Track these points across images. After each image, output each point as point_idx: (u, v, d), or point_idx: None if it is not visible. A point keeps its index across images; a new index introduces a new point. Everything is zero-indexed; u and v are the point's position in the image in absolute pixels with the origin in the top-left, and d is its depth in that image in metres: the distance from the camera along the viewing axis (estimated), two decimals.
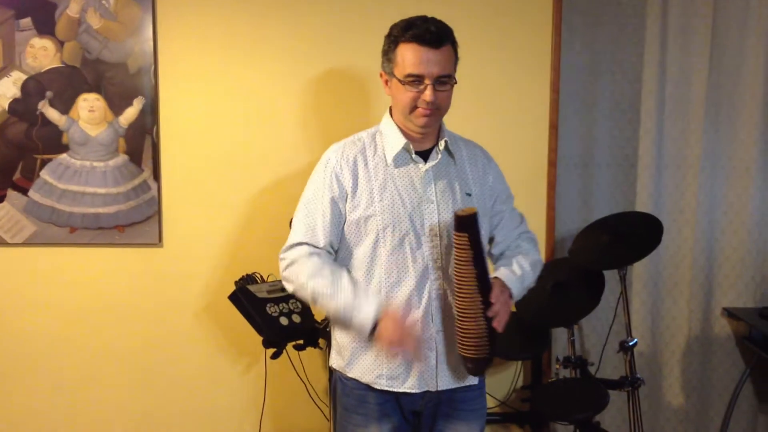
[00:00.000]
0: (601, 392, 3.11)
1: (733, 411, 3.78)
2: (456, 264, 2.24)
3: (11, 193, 3.39)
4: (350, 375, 2.42)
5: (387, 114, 2.46)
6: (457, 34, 2.36)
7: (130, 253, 3.45)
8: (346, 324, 2.31)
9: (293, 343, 3.16)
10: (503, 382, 3.61)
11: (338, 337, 2.47)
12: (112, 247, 3.44)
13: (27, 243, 3.41)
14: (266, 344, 3.07)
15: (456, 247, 2.23)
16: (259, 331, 3.04)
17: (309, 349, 3.18)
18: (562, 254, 3.61)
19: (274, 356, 3.10)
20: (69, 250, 3.44)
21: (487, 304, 2.25)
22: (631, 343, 3.25)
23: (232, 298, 3.07)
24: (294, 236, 2.41)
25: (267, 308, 3.05)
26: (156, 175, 3.40)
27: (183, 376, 3.53)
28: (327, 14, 3.39)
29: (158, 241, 3.44)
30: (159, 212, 3.43)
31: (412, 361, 2.33)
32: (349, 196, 2.36)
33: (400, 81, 2.30)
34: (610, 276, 3.39)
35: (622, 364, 3.37)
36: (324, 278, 2.31)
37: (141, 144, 3.39)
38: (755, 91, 3.63)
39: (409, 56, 2.27)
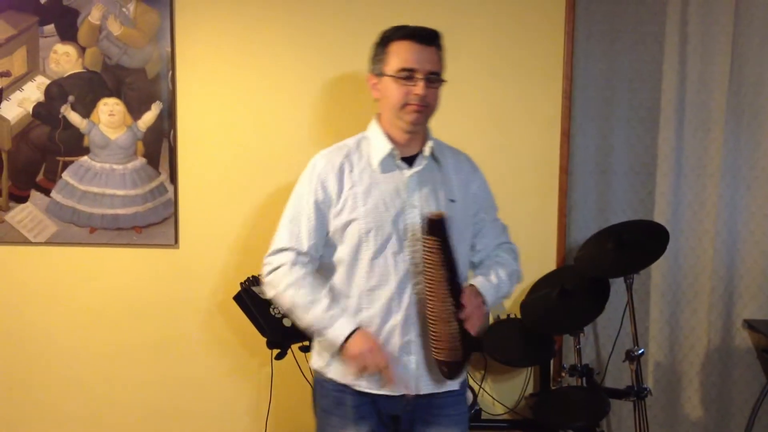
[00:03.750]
0: (604, 401, 3.09)
1: (754, 425, 3.70)
2: (425, 267, 2.26)
3: (34, 194, 3.51)
4: (329, 376, 2.45)
5: (374, 120, 2.50)
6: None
7: (146, 254, 3.55)
8: (318, 335, 2.38)
9: (299, 344, 3.20)
10: (513, 389, 3.61)
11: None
12: (130, 247, 3.53)
13: (49, 242, 3.53)
14: (270, 345, 3.13)
15: (425, 251, 2.25)
16: (262, 331, 3.10)
17: None
18: None
19: (279, 357, 3.16)
20: (88, 249, 3.55)
21: (458, 306, 2.27)
22: (637, 353, 3.22)
23: (237, 299, 3.14)
24: (278, 241, 2.45)
25: (271, 309, 3.10)
26: (173, 177, 3.49)
27: (195, 375, 3.61)
28: (341, 21, 3.44)
29: (174, 242, 3.53)
30: (175, 214, 3.51)
31: (381, 380, 2.36)
32: (333, 202, 2.39)
33: (391, 77, 2.35)
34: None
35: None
36: (304, 289, 2.37)
37: (158, 147, 3.48)
38: None
39: (402, 52, 2.35)
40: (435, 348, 2.31)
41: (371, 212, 2.36)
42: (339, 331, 2.32)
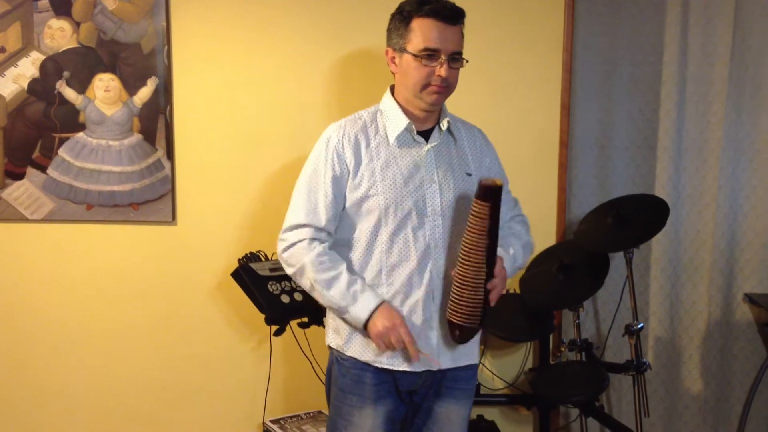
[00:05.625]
0: (602, 375, 3.08)
1: (754, 398, 3.69)
2: (469, 232, 2.24)
3: (31, 171, 3.48)
4: (348, 354, 2.43)
5: (388, 93, 2.46)
6: (467, 14, 2.36)
7: (144, 231, 3.53)
8: (340, 313, 2.34)
9: (297, 321, 3.20)
10: (512, 364, 3.61)
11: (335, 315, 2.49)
12: (127, 224, 3.51)
13: (46, 219, 3.51)
14: (268, 321, 3.11)
15: (473, 215, 2.23)
16: (260, 308, 3.09)
17: (314, 327, 3.21)
18: None
19: (277, 333, 3.15)
20: (86, 226, 3.52)
21: (489, 275, 2.27)
22: (637, 327, 3.21)
23: (235, 275, 3.13)
24: (294, 217, 2.41)
25: (269, 286, 3.10)
26: (169, 154, 3.47)
27: (195, 351, 3.60)
28: None
29: (171, 219, 3.51)
30: (172, 191, 3.49)
31: (403, 356, 2.36)
32: (350, 174, 2.36)
33: (414, 56, 2.30)
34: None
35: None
36: (324, 265, 2.33)
37: (155, 123, 3.45)
38: None
39: (426, 30, 2.28)
40: (454, 311, 2.30)
41: (390, 188, 2.34)
42: (362, 307, 2.29)
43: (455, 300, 2.29)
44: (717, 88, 3.57)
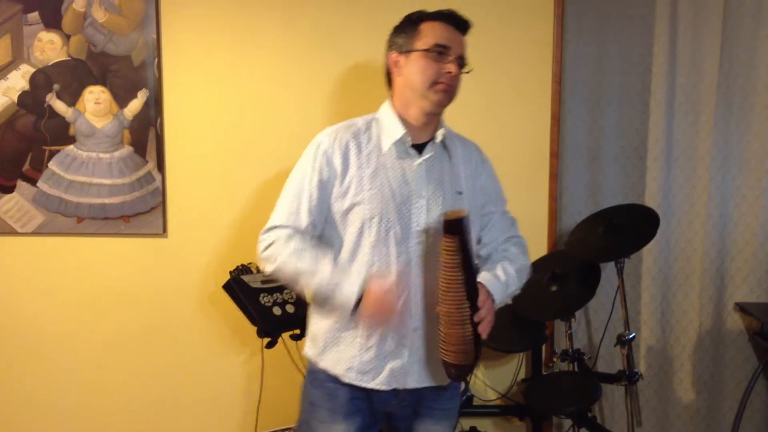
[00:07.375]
0: (595, 386, 3.08)
1: (746, 407, 3.69)
2: (443, 268, 2.16)
3: (21, 184, 3.47)
4: (321, 365, 2.38)
5: (387, 103, 2.43)
6: None
7: (135, 243, 3.52)
8: (327, 301, 2.25)
9: (289, 332, 3.19)
10: (505, 374, 3.60)
11: (314, 325, 2.44)
12: (118, 237, 3.50)
13: (36, 232, 3.50)
14: (260, 334, 3.10)
15: (444, 251, 2.15)
16: (252, 320, 3.08)
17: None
18: None
19: (269, 345, 3.14)
20: (76, 239, 3.51)
21: (474, 309, 2.18)
22: (628, 337, 3.22)
23: (226, 287, 3.12)
24: (275, 219, 2.37)
25: (260, 298, 3.09)
26: (160, 166, 3.46)
27: (187, 364, 3.59)
28: (330, 6, 3.41)
29: (162, 232, 3.50)
30: (163, 203, 3.48)
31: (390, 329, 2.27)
32: (338, 180, 2.32)
33: (424, 52, 2.29)
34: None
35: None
36: (305, 257, 2.27)
37: (145, 136, 3.45)
38: None
39: (438, 29, 2.31)
40: (445, 350, 2.21)
41: (376, 197, 2.29)
42: (347, 297, 2.21)
43: (444, 339, 2.20)
44: (706, 97, 3.59)
